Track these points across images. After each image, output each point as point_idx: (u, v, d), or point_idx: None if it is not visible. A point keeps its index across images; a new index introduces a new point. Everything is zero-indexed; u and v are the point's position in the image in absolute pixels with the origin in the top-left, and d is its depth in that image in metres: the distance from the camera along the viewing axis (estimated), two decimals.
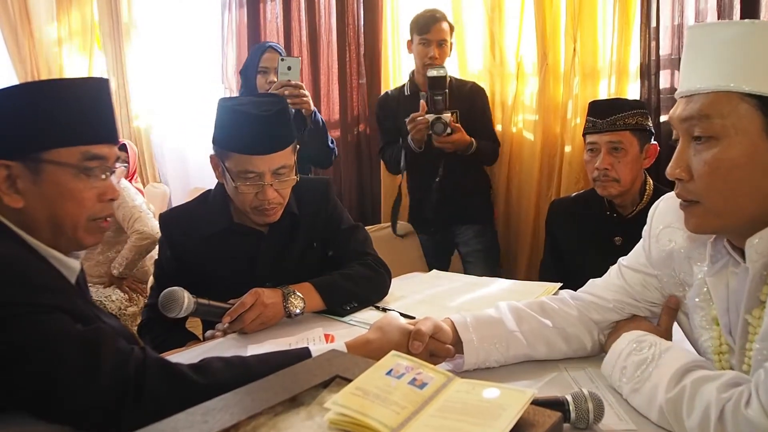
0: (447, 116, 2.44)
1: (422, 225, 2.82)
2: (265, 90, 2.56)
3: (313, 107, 2.52)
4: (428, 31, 2.60)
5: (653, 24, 2.49)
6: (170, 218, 1.70)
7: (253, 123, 1.48)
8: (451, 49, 2.72)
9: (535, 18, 2.77)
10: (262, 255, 1.63)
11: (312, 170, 2.82)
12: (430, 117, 2.45)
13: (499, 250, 2.85)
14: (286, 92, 2.39)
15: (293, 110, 2.50)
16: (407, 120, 2.49)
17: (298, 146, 1.61)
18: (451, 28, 2.70)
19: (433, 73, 2.43)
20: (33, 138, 1.01)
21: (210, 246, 1.60)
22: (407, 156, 2.63)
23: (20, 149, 1.01)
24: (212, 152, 1.60)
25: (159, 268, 1.69)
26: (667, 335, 1.10)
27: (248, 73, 2.67)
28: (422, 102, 2.50)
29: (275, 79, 2.47)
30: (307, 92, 2.48)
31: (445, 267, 2.72)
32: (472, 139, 2.55)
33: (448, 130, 2.44)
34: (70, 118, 1.03)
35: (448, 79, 2.50)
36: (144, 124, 4.43)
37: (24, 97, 1.02)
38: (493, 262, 2.77)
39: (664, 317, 1.13)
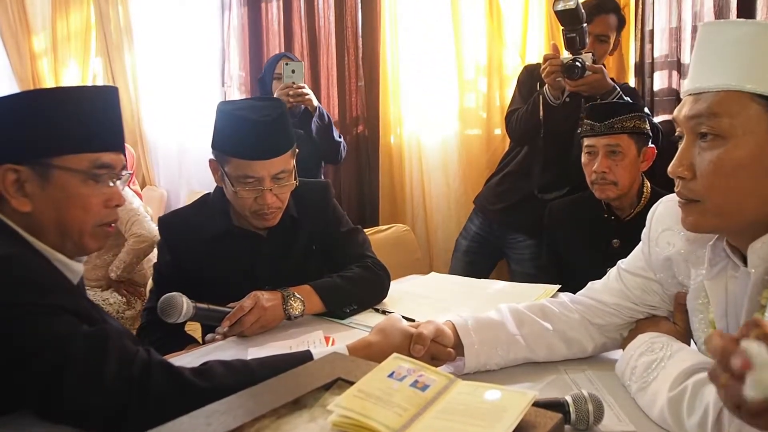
0: (585, 57, 2.09)
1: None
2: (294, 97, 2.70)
3: (317, 103, 2.64)
4: (590, 21, 2.22)
5: (648, 27, 2.51)
6: (169, 221, 1.70)
7: (252, 128, 1.49)
8: (615, 47, 2.43)
9: (527, 19, 2.78)
10: (262, 258, 1.64)
11: (323, 167, 2.92)
12: (565, 58, 2.11)
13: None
14: (290, 92, 2.54)
15: (302, 107, 2.67)
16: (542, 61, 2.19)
17: (297, 150, 1.61)
18: (620, 22, 2.38)
19: (559, 6, 2.05)
20: (43, 144, 1.02)
21: (209, 249, 1.61)
22: (545, 109, 2.24)
23: (30, 154, 1.02)
24: (211, 156, 1.60)
25: (158, 272, 1.69)
26: (686, 333, 1.10)
27: (266, 80, 2.81)
28: (553, 44, 2.24)
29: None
30: (309, 91, 2.60)
31: (486, 272, 2.60)
32: (615, 85, 2.16)
33: (587, 74, 2.08)
34: (82, 125, 1.05)
35: (583, 15, 2.08)
36: (144, 126, 4.42)
37: (36, 103, 1.04)
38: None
39: (678, 315, 1.13)
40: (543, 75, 2.19)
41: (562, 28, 2.12)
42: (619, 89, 2.15)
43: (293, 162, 1.59)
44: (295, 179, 1.58)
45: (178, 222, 1.68)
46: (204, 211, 1.67)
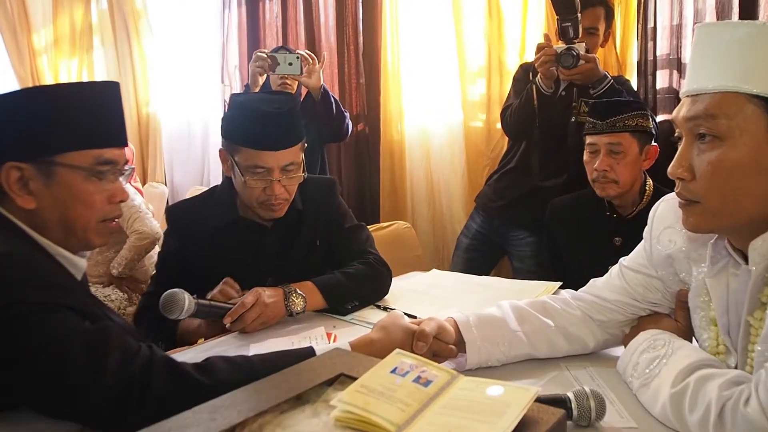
0: (579, 46, 2.13)
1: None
2: (278, 86, 2.83)
3: (321, 83, 2.72)
4: None
5: (650, 24, 2.50)
6: (177, 210, 1.73)
7: (264, 119, 1.52)
8: (607, 39, 2.44)
9: (526, 18, 2.79)
10: (266, 249, 1.64)
11: (324, 153, 3.00)
12: (559, 47, 2.15)
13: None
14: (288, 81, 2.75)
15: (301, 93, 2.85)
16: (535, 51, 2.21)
17: (305, 144, 1.64)
18: (609, 14, 2.40)
19: None
20: (46, 141, 1.02)
21: (215, 239, 1.62)
22: (539, 99, 2.26)
23: (33, 152, 1.02)
24: (221, 147, 1.63)
25: (162, 259, 1.70)
26: (688, 330, 1.10)
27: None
28: (545, 33, 2.31)
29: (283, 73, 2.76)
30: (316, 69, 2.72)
31: (487, 270, 2.61)
32: (606, 73, 2.21)
33: (581, 63, 2.13)
34: (84, 122, 1.05)
35: (578, 4, 2.12)
36: (146, 121, 4.42)
37: (38, 101, 1.04)
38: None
39: (679, 312, 1.13)
40: (537, 64, 2.22)
41: (557, 17, 2.15)
42: (610, 77, 2.19)
43: (302, 156, 1.61)
44: (303, 172, 1.61)
45: (186, 211, 1.71)
46: (211, 202, 1.70)
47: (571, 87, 2.28)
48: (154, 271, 1.76)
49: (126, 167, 1.12)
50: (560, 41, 2.20)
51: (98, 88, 1.11)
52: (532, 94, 2.29)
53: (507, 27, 2.91)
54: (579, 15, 2.12)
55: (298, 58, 2.64)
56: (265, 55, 2.66)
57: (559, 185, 2.35)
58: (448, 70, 3.09)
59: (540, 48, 2.20)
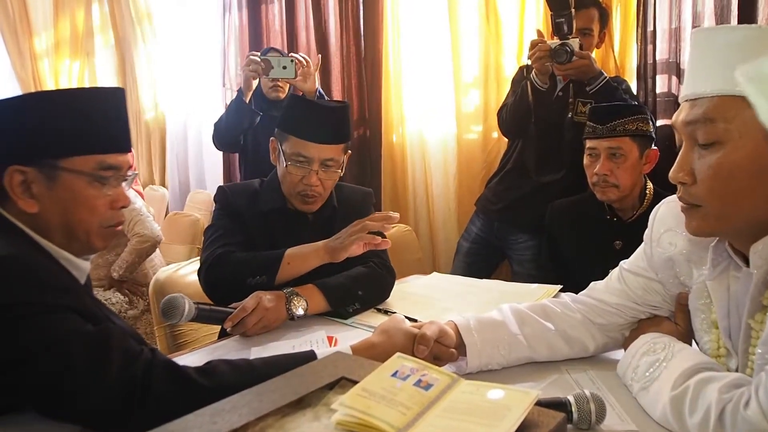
0: (573, 42, 2.14)
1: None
2: (269, 87, 2.81)
3: (317, 86, 2.65)
4: None
5: (650, 28, 2.51)
6: (231, 190, 1.78)
7: (316, 113, 1.67)
8: (602, 40, 2.44)
9: (523, 24, 2.80)
10: (305, 239, 1.64)
11: None
12: (553, 43, 2.16)
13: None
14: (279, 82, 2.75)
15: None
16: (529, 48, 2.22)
17: (350, 152, 1.74)
18: (602, 15, 2.40)
19: None
20: (50, 145, 1.03)
21: (262, 222, 1.69)
22: (534, 95, 2.28)
23: (37, 156, 1.03)
24: (273, 136, 1.74)
25: (214, 229, 1.69)
26: (687, 334, 1.11)
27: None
28: (538, 30, 2.33)
29: (277, 77, 2.68)
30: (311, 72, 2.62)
31: (487, 273, 2.60)
32: (602, 70, 2.21)
33: (574, 59, 2.14)
34: (88, 127, 1.06)
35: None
36: (147, 124, 4.43)
37: (42, 105, 1.04)
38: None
39: (679, 315, 1.13)
40: (531, 60, 2.23)
41: (551, 13, 2.18)
42: (605, 75, 2.20)
43: (344, 158, 1.72)
44: (341, 170, 1.70)
45: (240, 191, 1.78)
46: (263, 187, 1.78)
47: (567, 87, 2.29)
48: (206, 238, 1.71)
49: (129, 173, 1.12)
50: (554, 37, 2.21)
51: (104, 94, 1.12)
52: (527, 90, 2.30)
53: (504, 34, 2.91)
54: (572, 11, 2.15)
55: (292, 61, 2.55)
56: (258, 59, 2.55)
57: (556, 181, 2.36)
58: (448, 75, 3.09)
59: (534, 44, 2.22)
